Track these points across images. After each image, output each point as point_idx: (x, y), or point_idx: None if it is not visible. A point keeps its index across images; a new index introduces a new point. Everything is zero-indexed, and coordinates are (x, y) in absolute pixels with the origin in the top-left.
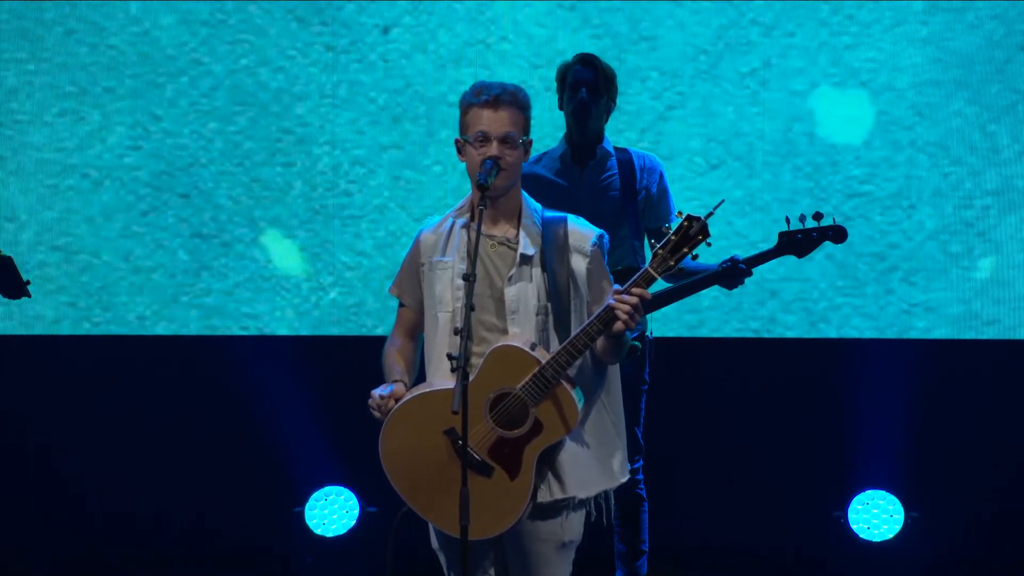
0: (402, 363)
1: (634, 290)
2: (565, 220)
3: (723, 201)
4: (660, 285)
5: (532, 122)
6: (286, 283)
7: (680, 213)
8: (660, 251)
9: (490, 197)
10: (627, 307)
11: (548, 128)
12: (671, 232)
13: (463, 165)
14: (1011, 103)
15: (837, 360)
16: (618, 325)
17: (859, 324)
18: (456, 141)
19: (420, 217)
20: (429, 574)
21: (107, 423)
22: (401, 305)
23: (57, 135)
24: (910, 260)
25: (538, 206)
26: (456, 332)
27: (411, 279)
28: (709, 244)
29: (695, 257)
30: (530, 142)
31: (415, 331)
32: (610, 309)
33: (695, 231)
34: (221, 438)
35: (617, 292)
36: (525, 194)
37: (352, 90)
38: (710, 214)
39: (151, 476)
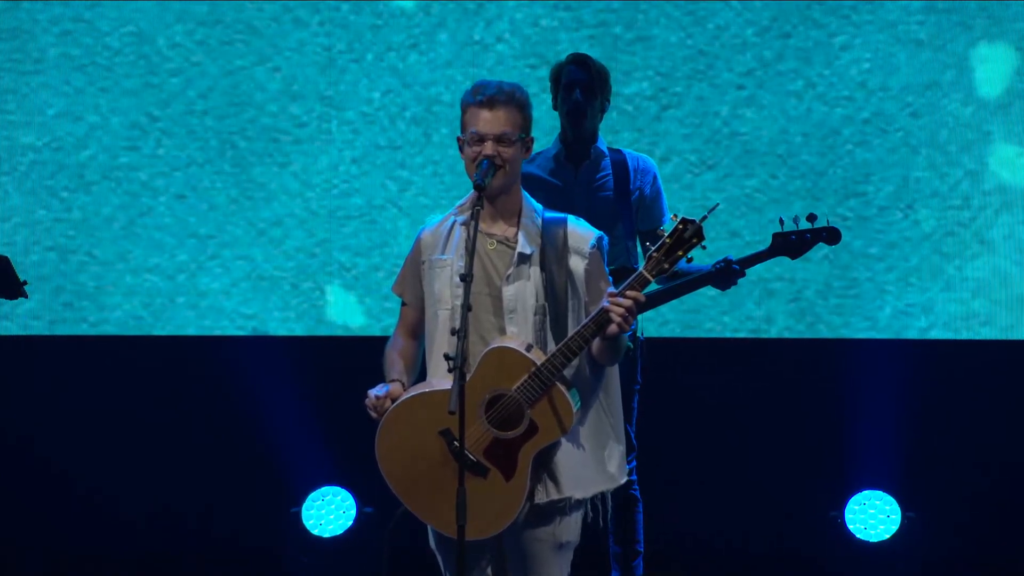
0: (401, 362)
1: (628, 292)
2: (565, 221)
3: (718, 205)
4: (653, 285)
5: (530, 122)
6: (283, 283)
7: (675, 216)
8: (655, 254)
9: (488, 197)
10: (621, 309)
11: (546, 129)
12: (666, 235)
13: (460, 164)
14: (1007, 103)
15: (834, 360)
16: (612, 327)
17: (856, 324)
18: (457, 139)
19: (416, 217)
20: (425, 574)
21: (104, 424)
22: (403, 304)
23: (53, 135)
24: (907, 260)
25: (539, 206)
26: (453, 332)
27: (413, 278)
28: (704, 247)
29: (690, 260)
30: (531, 140)
31: (417, 330)
32: (604, 311)
33: (690, 234)
34: (218, 438)
35: (611, 295)
36: (526, 193)
37: (348, 90)
38: (704, 217)
39: (148, 476)
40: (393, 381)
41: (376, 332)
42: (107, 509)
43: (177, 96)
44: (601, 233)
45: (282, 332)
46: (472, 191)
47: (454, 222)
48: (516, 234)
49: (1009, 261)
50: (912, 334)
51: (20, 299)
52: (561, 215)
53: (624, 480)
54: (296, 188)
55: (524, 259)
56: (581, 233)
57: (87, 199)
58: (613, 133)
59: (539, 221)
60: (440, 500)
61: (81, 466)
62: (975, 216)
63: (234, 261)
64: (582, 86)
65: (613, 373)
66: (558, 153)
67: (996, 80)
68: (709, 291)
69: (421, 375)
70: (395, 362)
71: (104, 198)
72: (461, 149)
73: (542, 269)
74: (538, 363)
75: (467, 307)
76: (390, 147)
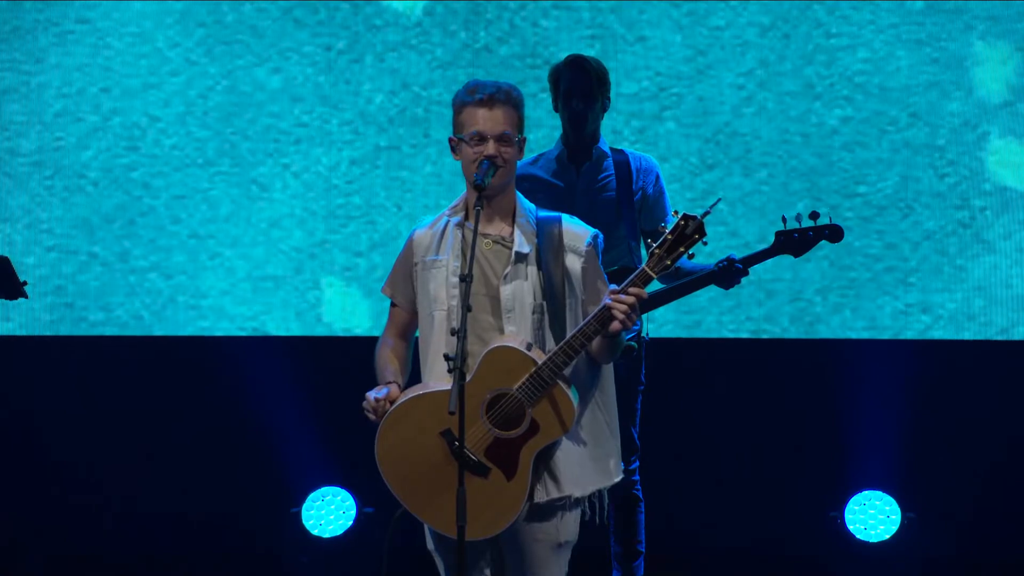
0: (395, 364)
1: (631, 290)
2: (560, 219)
3: (719, 200)
4: (655, 285)
5: (531, 123)
6: (283, 283)
7: (676, 212)
8: (657, 250)
9: (486, 197)
10: (624, 307)
11: (547, 130)
12: (667, 231)
13: (458, 165)
14: (1007, 103)
15: (834, 360)
16: (615, 325)
17: (856, 325)
18: (450, 140)
19: (417, 217)
20: (425, 574)
21: (104, 424)
22: (393, 305)
23: (54, 135)
24: (907, 261)
25: (532, 206)
26: (453, 332)
27: (404, 279)
28: (705, 243)
29: (691, 256)
30: (524, 140)
31: (407, 331)
32: (607, 309)
33: (691, 230)
34: (218, 439)
35: (614, 292)
36: (519, 193)
37: (348, 90)
38: (706, 213)
39: (148, 477)
40: (390, 383)
41: (376, 332)
42: (107, 509)
43: (177, 96)
44: (596, 231)
45: (281, 332)
46: (464, 191)
47: (447, 222)
48: (512, 233)
49: (1009, 261)
50: (912, 334)
51: (20, 299)
52: (555, 214)
53: (620, 477)
54: (296, 188)
55: (521, 258)
56: (576, 231)
57: (87, 199)
58: (614, 133)
59: (533, 220)
60: (441, 501)
61: (81, 466)
62: (975, 216)
63: (234, 261)
64: (581, 93)
65: (608, 370)
66: (560, 154)
67: (996, 80)
68: (709, 291)
69: (414, 376)
70: (389, 363)
71: (104, 198)
72: (453, 149)
73: (539, 268)
74: (539, 362)
75: (467, 307)
76: (390, 147)
